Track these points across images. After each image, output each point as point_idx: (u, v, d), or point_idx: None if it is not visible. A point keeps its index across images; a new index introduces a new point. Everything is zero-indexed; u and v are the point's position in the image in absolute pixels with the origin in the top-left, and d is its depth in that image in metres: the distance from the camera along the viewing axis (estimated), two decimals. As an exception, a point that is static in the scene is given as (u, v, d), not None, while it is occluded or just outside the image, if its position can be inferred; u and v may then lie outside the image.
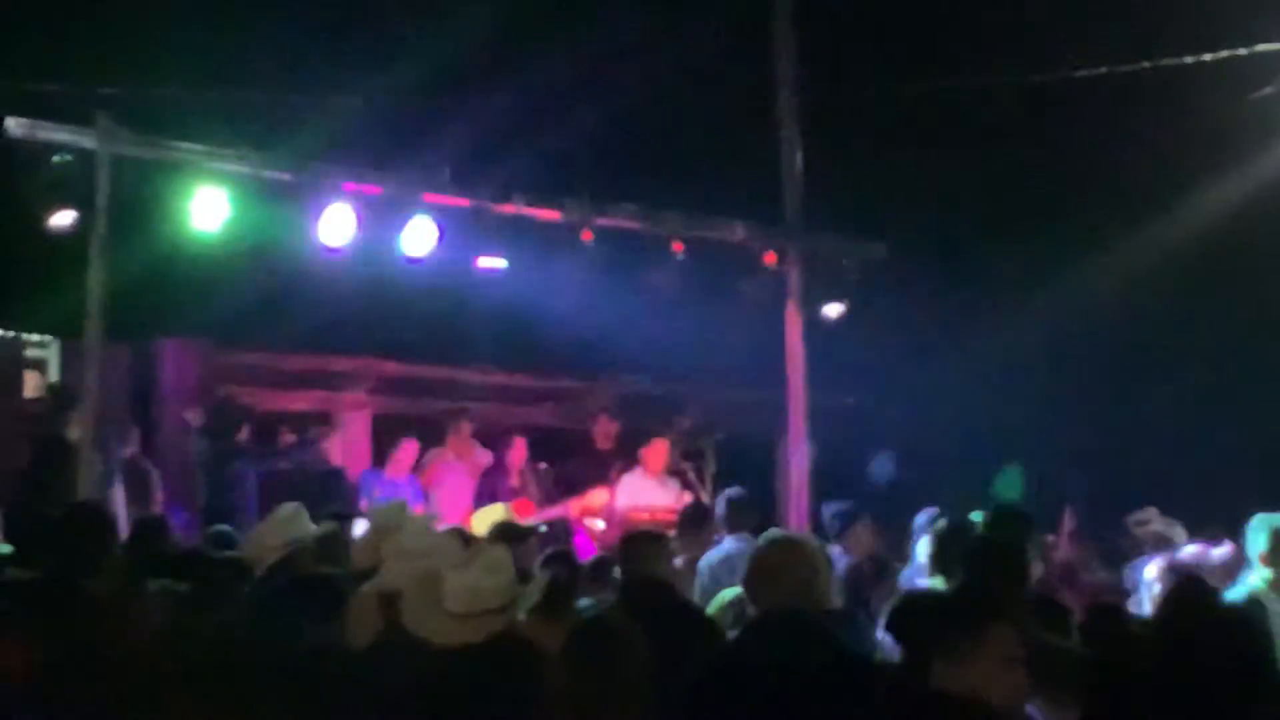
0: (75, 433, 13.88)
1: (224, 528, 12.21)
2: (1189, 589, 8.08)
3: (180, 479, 15.84)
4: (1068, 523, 16.15)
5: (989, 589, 7.40)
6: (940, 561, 9.56)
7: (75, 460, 13.38)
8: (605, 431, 17.26)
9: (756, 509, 12.79)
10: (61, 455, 13.58)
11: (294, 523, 9.58)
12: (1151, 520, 13.53)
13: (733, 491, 12.67)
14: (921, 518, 12.39)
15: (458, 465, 16.68)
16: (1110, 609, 7.95)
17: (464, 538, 8.38)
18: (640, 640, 6.48)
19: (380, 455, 17.30)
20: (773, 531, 8.26)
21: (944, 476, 16.91)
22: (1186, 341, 19.11)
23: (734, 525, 12.17)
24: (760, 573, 7.44)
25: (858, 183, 18.52)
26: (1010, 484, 18.03)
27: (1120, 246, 19.44)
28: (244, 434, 16.04)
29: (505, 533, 10.67)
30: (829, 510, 12.92)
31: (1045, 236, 19.70)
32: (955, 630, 5.82)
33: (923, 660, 5.79)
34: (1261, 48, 16.35)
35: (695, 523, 12.65)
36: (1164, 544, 12.57)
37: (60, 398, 14.79)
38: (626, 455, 16.70)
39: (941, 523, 10.40)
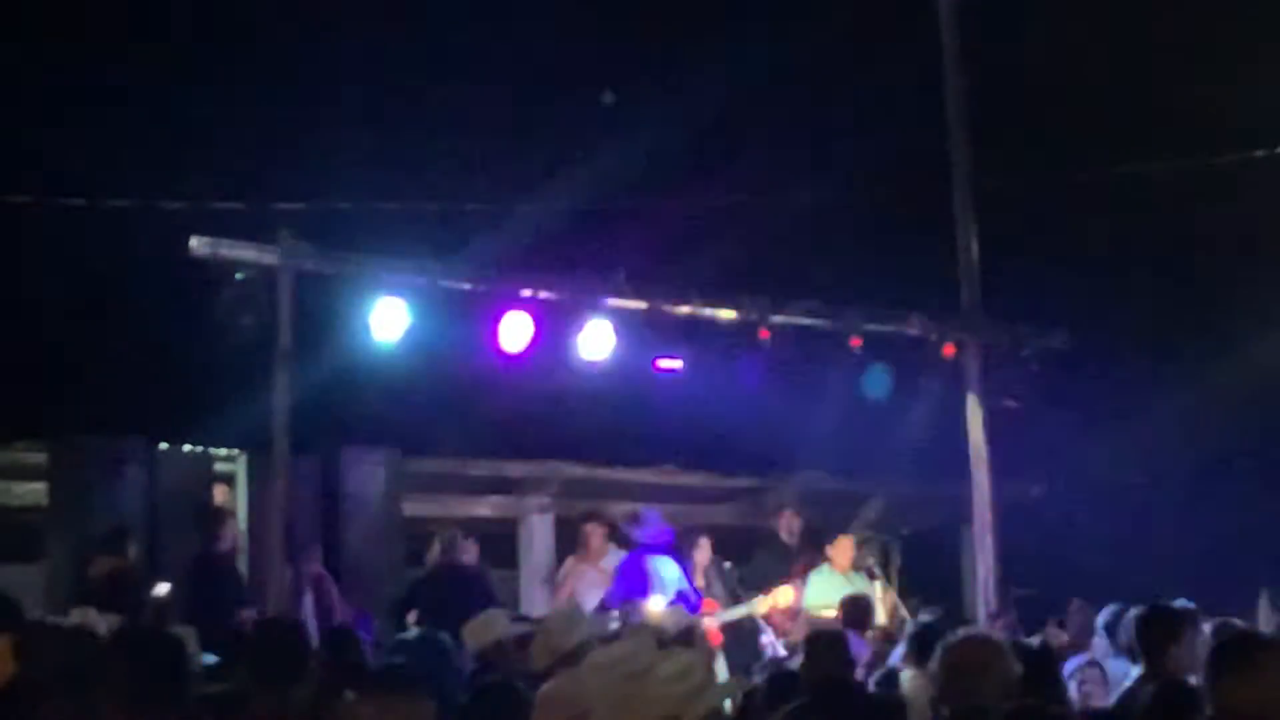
0: (225, 546, 14.21)
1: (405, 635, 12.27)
2: None
3: (369, 587, 15.90)
4: (1263, 611, 15.74)
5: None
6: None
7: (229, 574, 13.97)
8: (789, 527, 17.16)
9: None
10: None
11: (494, 626, 9.82)
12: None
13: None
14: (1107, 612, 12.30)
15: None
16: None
17: (656, 640, 8.36)
18: None
19: (563, 559, 17.30)
20: (963, 630, 8.14)
21: (1129, 563, 16.65)
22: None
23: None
24: (949, 668, 7.33)
25: (1036, 269, 18.37)
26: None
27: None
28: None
29: (689, 634, 10.67)
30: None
31: (1228, 315, 19.42)
32: None
33: None
34: None
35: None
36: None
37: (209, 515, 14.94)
38: (809, 551, 16.59)
39: (1133, 611, 10.24)
